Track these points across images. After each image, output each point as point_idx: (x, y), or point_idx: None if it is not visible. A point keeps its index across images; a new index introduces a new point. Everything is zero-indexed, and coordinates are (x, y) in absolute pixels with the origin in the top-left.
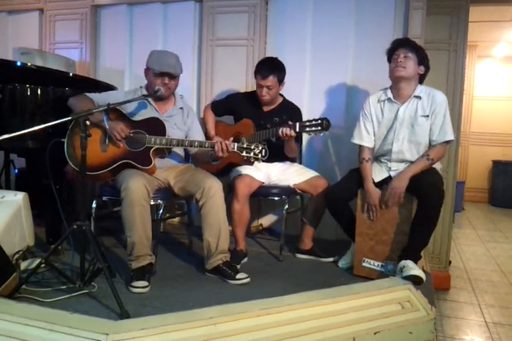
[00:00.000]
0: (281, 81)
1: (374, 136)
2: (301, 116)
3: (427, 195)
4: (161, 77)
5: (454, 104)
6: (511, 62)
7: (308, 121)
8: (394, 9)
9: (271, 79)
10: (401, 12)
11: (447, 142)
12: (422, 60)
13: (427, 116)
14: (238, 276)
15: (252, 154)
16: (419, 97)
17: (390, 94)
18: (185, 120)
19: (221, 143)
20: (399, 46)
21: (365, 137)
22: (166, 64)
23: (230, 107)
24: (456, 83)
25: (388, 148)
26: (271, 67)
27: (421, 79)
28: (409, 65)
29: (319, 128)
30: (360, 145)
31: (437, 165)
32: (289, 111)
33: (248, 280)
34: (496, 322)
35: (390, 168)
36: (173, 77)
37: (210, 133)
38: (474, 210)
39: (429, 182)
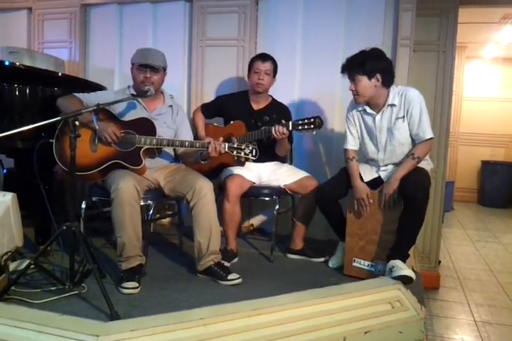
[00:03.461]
0: (275, 73)
1: (359, 138)
2: (290, 114)
3: (411, 194)
4: (143, 71)
5: (443, 104)
6: (500, 63)
7: (301, 120)
8: (384, 11)
9: (269, 64)
10: (391, 13)
11: (429, 139)
12: (374, 71)
13: (403, 117)
14: (230, 277)
15: (242, 154)
16: (393, 105)
17: (364, 106)
18: (174, 118)
19: (214, 143)
20: (344, 72)
21: (350, 141)
22: (147, 56)
23: (219, 108)
24: (445, 84)
25: (374, 157)
26: (268, 55)
27: (387, 81)
28: (363, 88)
29: (312, 126)
30: (345, 149)
31: (427, 166)
32: (279, 110)
33: (240, 280)
34: (485, 320)
35: (379, 168)
36: (155, 70)
37: (201, 135)
38: (464, 210)
39: (414, 182)
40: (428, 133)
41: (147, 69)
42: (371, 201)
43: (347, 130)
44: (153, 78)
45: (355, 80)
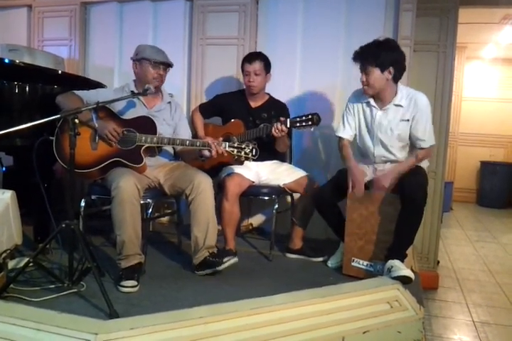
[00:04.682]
0: (267, 70)
1: (355, 130)
2: (288, 111)
3: (410, 194)
4: (158, 68)
5: (442, 105)
6: (500, 64)
7: (299, 117)
8: (384, 10)
9: (258, 64)
10: (391, 13)
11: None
12: (388, 63)
13: (408, 120)
14: (225, 260)
15: (242, 153)
16: (399, 106)
17: (368, 98)
18: (173, 115)
19: (216, 146)
20: (357, 61)
21: (346, 130)
22: (163, 55)
23: (218, 107)
24: (445, 84)
25: (370, 151)
26: (256, 54)
27: (398, 75)
28: (374, 79)
29: (309, 123)
30: (339, 137)
31: (424, 164)
32: (277, 107)
33: (236, 259)
34: (483, 321)
35: (375, 169)
36: (166, 69)
37: (201, 135)
38: (462, 210)
39: (413, 182)
40: (431, 141)
41: (161, 67)
42: (366, 179)
43: (344, 119)
44: (164, 76)
45: (367, 71)
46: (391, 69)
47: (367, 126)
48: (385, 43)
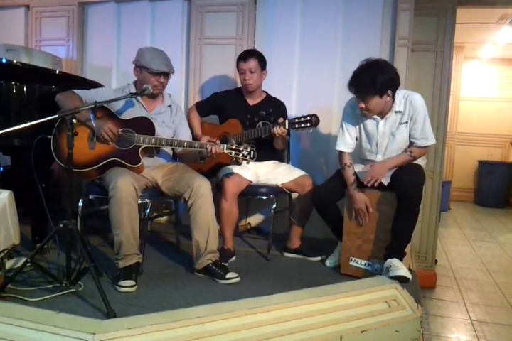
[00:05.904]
0: (262, 67)
1: (356, 140)
2: (286, 109)
3: (405, 192)
4: (157, 76)
5: (440, 104)
6: (497, 64)
7: (297, 118)
8: (382, 10)
9: (252, 62)
10: (389, 13)
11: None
12: (385, 87)
13: (406, 122)
14: (228, 276)
15: (240, 155)
16: (399, 112)
17: None
18: (173, 118)
19: (213, 145)
20: (355, 93)
21: (347, 142)
22: (163, 63)
23: (215, 105)
24: (443, 84)
25: (372, 158)
26: (250, 52)
27: (395, 91)
28: (374, 105)
29: (308, 124)
30: (340, 151)
31: (421, 161)
32: (274, 105)
33: (238, 279)
34: (481, 320)
35: None
36: (168, 75)
37: (197, 134)
38: (460, 210)
39: (408, 180)
40: (430, 140)
41: (161, 75)
42: (370, 210)
43: (344, 130)
44: (165, 82)
45: (365, 100)
46: (389, 92)
47: (368, 137)
48: (376, 67)
